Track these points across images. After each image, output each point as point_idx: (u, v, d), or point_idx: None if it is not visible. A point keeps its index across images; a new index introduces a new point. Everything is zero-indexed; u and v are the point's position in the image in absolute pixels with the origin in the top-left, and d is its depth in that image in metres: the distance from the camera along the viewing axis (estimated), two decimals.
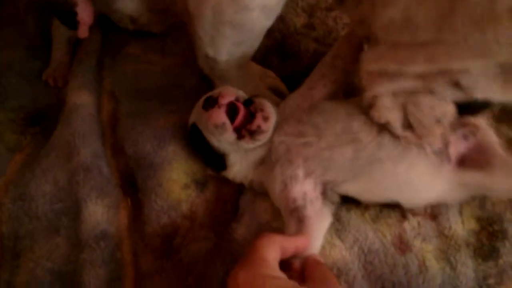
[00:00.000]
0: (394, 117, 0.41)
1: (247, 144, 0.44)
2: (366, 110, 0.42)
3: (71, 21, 0.56)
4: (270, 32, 0.53)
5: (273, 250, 0.37)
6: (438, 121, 0.40)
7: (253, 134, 0.44)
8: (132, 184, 0.50)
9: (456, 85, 0.37)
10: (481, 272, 0.44)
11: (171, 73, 0.64)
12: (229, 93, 0.45)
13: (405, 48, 0.38)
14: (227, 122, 0.43)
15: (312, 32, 0.69)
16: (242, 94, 0.47)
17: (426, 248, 0.45)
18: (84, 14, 0.55)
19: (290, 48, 0.67)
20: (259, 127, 0.44)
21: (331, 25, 0.69)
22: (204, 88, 0.62)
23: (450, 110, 0.39)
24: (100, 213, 0.47)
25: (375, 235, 0.46)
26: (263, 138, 0.45)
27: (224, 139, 0.44)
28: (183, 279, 0.44)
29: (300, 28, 0.70)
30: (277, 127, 0.47)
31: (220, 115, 0.43)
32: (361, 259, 0.45)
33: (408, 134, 0.41)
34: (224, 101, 0.44)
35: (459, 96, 0.38)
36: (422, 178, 0.43)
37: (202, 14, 0.46)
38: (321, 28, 0.69)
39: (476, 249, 0.45)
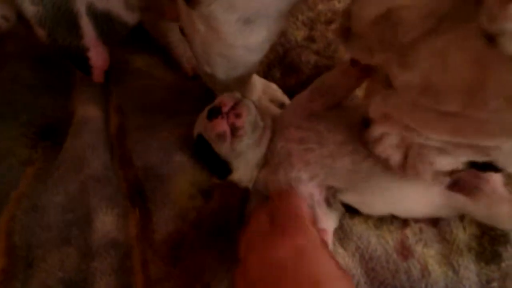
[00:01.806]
0: (395, 157, 0.40)
1: (233, 144, 0.47)
2: (369, 142, 0.41)
3: (84, 66, 0.54)
4: (272, 46, 0.55)
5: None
6: (436, 172, 0.38)
7: (233, 132, 0.46)
8: (140, 194, 0.51)
9: (479, 151, 0.33)
10: (484, 276, 0.45)
11: (175, 88, 0.67)
12: (230, 100, 0.47)
13: (426, 111, 0.33)
14: (228, 130, 0.46)
15: (313, 45, 0.71)
16: (239, 95, 0.49)
17: (428, 253, 0.46)
18: (97, 58, 0.54)
19: (291, 61, 0.69)
20: (233, 124, 0.46)
21: (330, 37, 0.71)
22: (208, 101, 0.64)
23: (457, 168, 0.37)
24: (110, 222, 0.48)
25: (377, 241, 0.47)
26: (243, 134, 0.47)
27: (225, 146, 0.47)
28: (191, 286, 0.45)
29: (301, 41, 0.72)
30: (278, 133, 0.49)
31: (222, 125, 0.46)
32: (363, 266, 0.46)
33: (401, 170, 0.41)
34: (226, 108, 0.46)
35: (477, 158, 0.34)
36: (414, 196, 0.45)
37: (194, 42, 0.47)
38: (321, 40, 0.71)
39: (478, 253, 0.46)
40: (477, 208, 0.43)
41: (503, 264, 0.45)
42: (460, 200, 0.44)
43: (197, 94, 0.66)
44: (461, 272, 0.45)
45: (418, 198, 0.45)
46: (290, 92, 0.65)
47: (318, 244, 0.39)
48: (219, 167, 0.49)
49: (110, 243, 0.47)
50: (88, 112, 0.59)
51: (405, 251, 0.46)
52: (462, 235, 0.47)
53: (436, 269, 0.45)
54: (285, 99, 0.63)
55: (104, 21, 0.51)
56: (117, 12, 0.51)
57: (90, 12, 0.49)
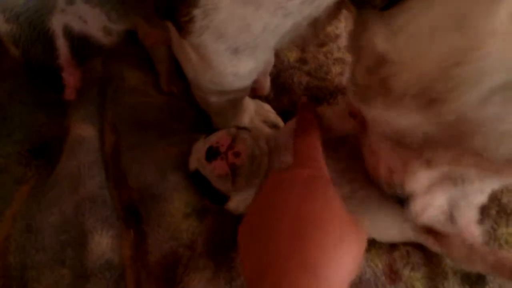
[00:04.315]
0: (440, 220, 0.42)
1: (234, 182, 0.48)
2: (408, 216, 0.41)
3: (57, 85, 0.54)
4: None
5: None
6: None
7: (233, 171, 0.47)
8: (135, 215, 0.52)
9: None
10: None
11: (169, 107, 0.67)
12: (226, 138, 0.48)
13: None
14: (229, 171, 0.47)
15: (305, 66, 0.73)
16: (234, 131, 0.50)
17: (415, 277, 0.47)
18: (71, 78, 0.53)
19: (284, 82, 0.71)
20: (233, 164, 0.47)
21: (322, 59, 0.73)
22: (202, 121, 0.65)
23: None
24: (105, 243, 0.49)
25: (366, 264, 0.49)
26: (243, 171, 0.48)
27: (225, 185, 0.48)
28: None
29: (293, 62, 0.74)
30: (274, 155, 0.50)
31: (223, 167, 0.47)
32: None
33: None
34: (224, 148, 0.47)
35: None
36: (392, 225, 0.47)
37: (186, 68, 0.48)
38: (313, 62, 0.73)
39: (464, 276, 0.48)
40: (446, 250, 0.46)
41: (487, 287, 0.47)
42: (428, 242, 0.46)
43: (191, 113, 0.67)
44: None
45: (395, 228, 0.47)
46: (283, 113, 0.66)
47: (328, 179, 0.38)
48: (217, 198, 0.50)
49: (104, 264, 0.48)
50: (83, 130, 0.59)
51: (393, 274, 0.47)
52: (448, 258, 0.48)
53: None
54: (278, 120, 0.65)
55: (80, 43, 0.51)
56: (94, 35, 0.50)
57: (67, 33, 0.49)
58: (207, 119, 0.64)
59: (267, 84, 0.67)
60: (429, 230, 0.45)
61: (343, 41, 0.75)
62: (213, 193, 0.50)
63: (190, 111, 0.66)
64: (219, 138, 0.49)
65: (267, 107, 0.66)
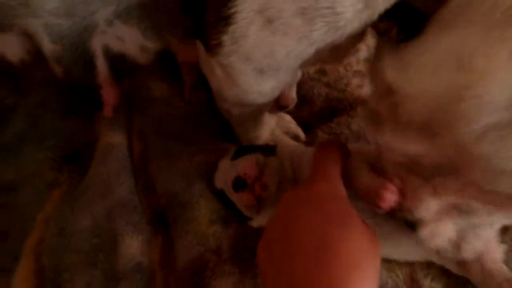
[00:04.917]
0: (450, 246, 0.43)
1: (260, 210, 0.49)
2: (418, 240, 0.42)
3: (96, 103, 0.56)
4: None
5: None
6: None
7: (260, 202, 0.49)
8: (163, 221, 0.54)
9: None
10: None
11: (194, 116, 0.70)
12: (254, 170, 0.49)
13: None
14: (255, 202, 0.48)
15: (324, 78, 0.75)
16: (261, 160, 0.50)
17: (435, 287, 0.48)
18: (109, 95, 0.55)
19: (304, 93, 0.73)
20: (260, 196, 0.48)
21: (342, 71, 0.75)
22: (225, 129, 0.67)
23: None
24: (135, 247, 0.51)
25: (388, 274, 0.50)
26: (270, 199, 0.49)
27: (251, 212, 0.50)
28: None
29: (313, 74, 0.75)
30: (298, 172, 0.51)
31: (250, 199, 0.48)
32: None
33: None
34: (251, 180, 0.48)
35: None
36: (413, 248, 0.47)
37: (211, 82, 0.49)
38: (333, 74, 0.75)
39: None
40: (458, 268, 0.47)
41: None
42: (450, 265, 0.47)
43: (214, 123, 0.69)
44: None
45: (418, 252, 0.48)
46: (303, 124, 0.68)
47: (345, 197, 0.38)
48: (241, 217, 0.52)
49: (135, 267, 0.50)
50: (113, 138, 0.62)
51: (414, 284, 0.48)
52: None
53: None
54: (299, 131, 0.66)
55: (118, 62, 0.53)
56: (132, 55, 0.53)
57: (106, 53, 0.51)
58: (229, 128, 0.66)
59: (292, 96, 0.68)
60: None
61: (363, 54, 0.77)
62: (237, 213, 0.51)
63: (213, 120, 0.68)
64: (246, 168, 0.49)
65: (288, 118, 0.68)
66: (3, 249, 0.56)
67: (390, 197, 0.39)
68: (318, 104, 0.72)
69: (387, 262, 0.50)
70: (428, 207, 0.39)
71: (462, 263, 0.46)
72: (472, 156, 0.31)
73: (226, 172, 0.52)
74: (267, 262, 0.35)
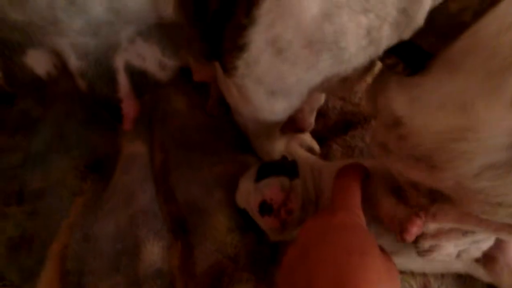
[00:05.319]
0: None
1: (284, 233, 0.50)
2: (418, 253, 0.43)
3: (116, 115, 0.58)
4: None
5: None
6: None
7: (284, 225, 0.50)
8: (183, 228, 0.56)
9: None
10: None
11: (212, 128, 0.72)
12: (280, 195, 0.50)
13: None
14: (280, 226, 0.49)
15: None
16: (287, 184, 0.51)
17: None
18: (129, 109, 0.57)
19: (319, 107, 0.74)
20: (285, 220, 0.49)
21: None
22: (242, 141, 0.70)
23: None
24: (156, 253, 0.53)
25: (402, 285, 0.51)
26: (294, 222, 0.49)
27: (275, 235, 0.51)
28: None
29: None
30: (318, 194, 0.52)
31: (275, 223, 0.49)
32: None
33: None
34: (277, 206, 0.49)
35: None
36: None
37: (228, 99, 0.52)
38: None
39: None
40: (487, 276, 0.48)
41: None
42: (478, 272, 0.48)
43: (232, 133, 0.71)
44: None
45: (439, 262, 0.49)
46: (318, 137, 0.70)
47: (364, 226, 0.39)
48: (259, 233, 0.53)
49: (156, 272, 0.52)
50: (136, 147, 0.65)
51: None
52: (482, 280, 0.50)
53: None
54: (314, 144, 0.68)
55: (139, 78, 0.56)
56: (151, 71, 0.56)
57: (128, 69, 0.54)
58: (247, 141, 0.68)
59: (310, 120, 0.68)
60: (478, 260, 0.47)
61: (377, 69, 0.78)
62: (258, 231, 0.53)
63: (232, 133, 0.70)
64: (272, 194, 0.50)
65: None
66: (29, 255, 0.58)
67: (416, 232, 0.40)
68: (332, 118, 0.74)
69: (401, 272, 0.51)
70: (429, 226, 0.41)
71: (491, 269, 0.47)
72: (470, 190, 0.33)
73: (249, 193, 0.52)
74: None
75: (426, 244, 0.42)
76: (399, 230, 0.40)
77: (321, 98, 0.68)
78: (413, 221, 0.39)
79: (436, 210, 0.39)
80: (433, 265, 0.50)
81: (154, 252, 0.53)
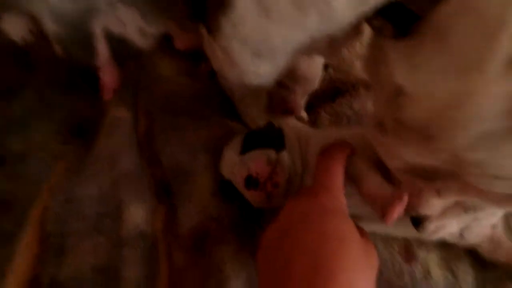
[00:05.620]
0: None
1: (270, 204, 0.50)
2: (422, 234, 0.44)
3: (94, 84, 0.57)
4: None
5: None
6: None
7: (270, 197, 0.49)
8: (167, 191, 0.56)
9: None
10: (480, 279, 0.49)
11: (198, 94, 0.71)
12: (266, 169, 0.49)
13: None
14: (266, 199, 0.49)
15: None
16: (273, 157, 0.50)
17: (430, 258, 0.50)
18: (107, 78, 0.56)
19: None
20: (271, 193, 0.49)
21: (345, 53, 0.76)
22: (229, 106, 0.69)
23: None
24: (140, 215, 0.53)
25: (384, 246, 0.51)
26: (279, 195, 0.49)
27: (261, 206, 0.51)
28: (212, 276, 0.49)
29: None
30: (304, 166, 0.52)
31: (261, 196, 0.49)
32: None
33: None
34: (263, 179, 0.48)
35: None
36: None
37: (213, 62, 0.51)
38: None
39: (476, 258, 0.50)
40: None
41: (499, 269, 0.49)
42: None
43: (218, 100, 0.70)
44: (460, 276, 0.49)
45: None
46: (306, 104, 0.69)
47: (344, 211, 0.39)
48: (244, 202, 0.52)
49: (139, 234, 0.51)
50: (120, 112, 0.63)
51: (409, 255, 0.50)
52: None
53: (437, 272, 0.49)
54: (302, 112, 0.68)
55: (118, 45, 0.54)
56: (131, 38, 0.54)
57: (106, 35, 0.53)
58: (232, 105, 0.67)
59: (300, 103, 0.67)
60: None
61: (365, 39, 0.77)
62: (242, 200, 0.52)
63: (217, 98, 0.69)
64: (258, 168, 0.49)
65: None
66: (8, 218, 0.57)
67: (396, 215, 0.40)
68: (322, 87, 0.73)
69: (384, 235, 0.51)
70: (433, 205, 0.40)
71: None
72: (467, 163, 0.32)
73: (234, 165, 0.52)
74: (264, 270, 0.36)
75: (431, 226, 0.42)
76: (380, 213, 0.40)
77: (315, 82, 0.67)
78: (394, 205, 0.39)
79: (439, 186, 0.38)
80: (413, 230, 0.50)
81: (138, 215, 0.53)
